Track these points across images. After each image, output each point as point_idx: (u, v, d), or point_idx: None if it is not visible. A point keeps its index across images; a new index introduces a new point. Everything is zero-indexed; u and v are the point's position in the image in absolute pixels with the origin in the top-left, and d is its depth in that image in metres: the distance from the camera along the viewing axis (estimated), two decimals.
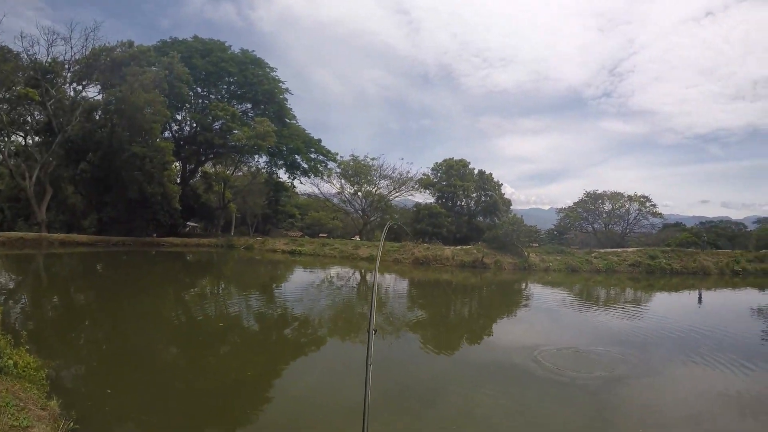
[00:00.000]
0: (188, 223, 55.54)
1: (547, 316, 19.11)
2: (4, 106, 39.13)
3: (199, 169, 58.37)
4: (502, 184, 56.65)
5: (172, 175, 46.33)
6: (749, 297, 29.34)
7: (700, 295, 28.07)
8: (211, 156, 56.41)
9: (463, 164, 54.47)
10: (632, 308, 22.36)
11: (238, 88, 55.13)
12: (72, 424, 5.94)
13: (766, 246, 48.32)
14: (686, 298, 28.12)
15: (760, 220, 66.11)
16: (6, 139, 41.79)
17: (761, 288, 32.57)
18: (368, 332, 3.37)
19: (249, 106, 57.02)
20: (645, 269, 39.66)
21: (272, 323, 15.29)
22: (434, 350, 12.76)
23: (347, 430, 6.91)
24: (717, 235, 61.13)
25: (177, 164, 52.74)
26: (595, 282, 33.08)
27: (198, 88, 53.63)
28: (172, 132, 53.20)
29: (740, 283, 34.97)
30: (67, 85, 42.00)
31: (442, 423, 7.59)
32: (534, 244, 45.23)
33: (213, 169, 60.79)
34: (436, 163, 55.98)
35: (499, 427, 7.67)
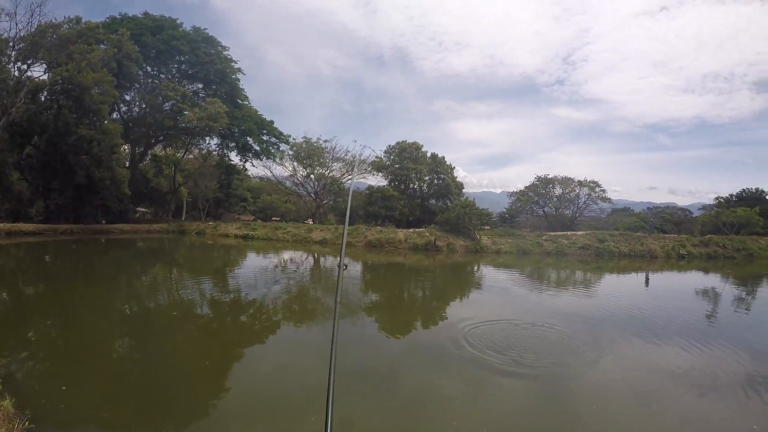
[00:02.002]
0: (138, 208, 55.30)
1: (499, 297, 20.10)
2: None
3: (149, 152, 57.73)
4: (454, 168, 58.18)
5: (121, 159, 45.95)
6: (694, 279, 31.11)
7: (647, 277, 29.89)
8: (161, 138, 56.10)
9: (416, 147, 55.76)
10: (582, 289, 23.71)
11: (189, 67, 54.64)
12: (27, 423, 5.97)
13: (710, 231, 51.36)
14: (634, 279, 29.57)
15: (704, 207, 70.24)
16: None
17: (705, 271, 34.60)
18: (334, 310, 3.37)
19: (200, 86, 56.59)
20: (594, 252, 41.70)
21: (227, 310, 15.51)
22: (390, 333, 13.25)
23: (309, 414, 7.22)
24: (664, 220, 64.94)
25: (126, 147, 52.08)
26: (545, 264, 34.69)
27: (148, 67, 52.93)
28: (120, 113, 52.43)
29: (686, 266, 37.11)
30: (12, 64, 40.79)
31: (399, 407, 7.93)
32: (486, 227, 46.91)
33: (163, 152, 59.99)
34: (389, 145, 57.15)
35: (457, 409, 7.88)
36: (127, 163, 50.18)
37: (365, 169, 58.05)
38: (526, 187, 62.32)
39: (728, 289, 26.12)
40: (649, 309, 17.32)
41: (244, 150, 58.66)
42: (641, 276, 30.29)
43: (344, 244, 3.35)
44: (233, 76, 56.40)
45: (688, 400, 8.74)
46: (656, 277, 30.24)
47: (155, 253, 34.20)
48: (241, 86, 57.75)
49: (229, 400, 7.95)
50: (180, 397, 8.05)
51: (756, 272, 36.13)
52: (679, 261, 40.53)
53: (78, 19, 44.11)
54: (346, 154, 59.04)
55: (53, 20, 41.32)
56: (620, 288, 25.50)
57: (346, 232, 3.42)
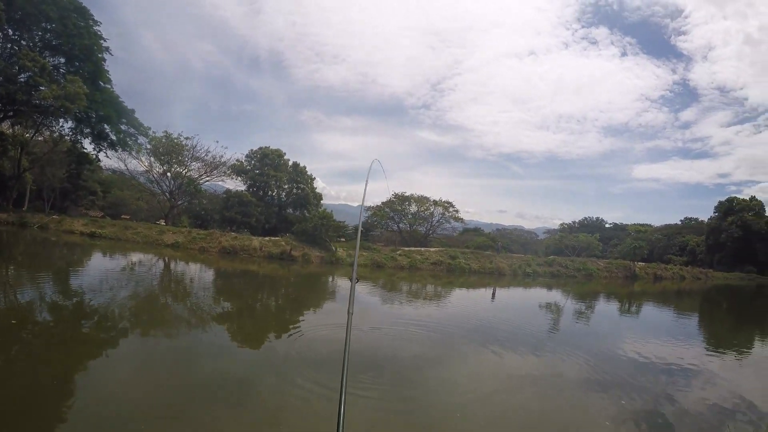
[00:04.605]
0: None
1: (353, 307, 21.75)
2: None
3: None
4: (315, 178, 61.81)
5: None
6: (538, 295, 34.51)
7: (494, 291, 33.15)
8: (11, 114, 51.97)
9: (279, 154, 58.01)
10: (433, 301, 25.93)
11: (54, 37, 51.09)
12: None
13: (554, 253, 59.32)
14: (483, 294, 32.12)
15: (549, 231, 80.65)
16: None
17: (549, 287, 38.86)
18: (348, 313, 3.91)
19: (62, 60, 53.12)
20: (446, 268, 45.22)
21: (70, 316, 14.40)
22: (242, 343, 13.19)
23: (167, 425, 7.29)
24: (511, 240, 72.85)
25: None
26: (399, 278, 36.70)
27: (9, 30, 49.06)
28: None
29: (531, 283, 41.42)
30: None
31: (253, 421, 7.76)
32: (342, 239, 49.73)
33: (10, 131, 55.42)
34: (252, 150, 58.99)
35: (312, 421, 7.98)
36: None
37: (224, 172, 58.74)
38: (383, 203, 66.69)
39: (569, 304, 29.62)
40: (497, 321, 19.15)
41: (99, 138, 55.30)
42: (489, 291, 33.25)
43: (357, 257, 3.67)
44: (99, 55, 53.54)
45: (528, 397, 9.70)
46: (504, 293, 33.56)
47: None
48: (106, 67, 54.76)
49: (76, 416, 7.47)
50: (19, 416, 7.40)
51: (594, 290, 40.80)
52: (525, 278, 44.88)
53: None
54: (206, 155, 58.76)
55: None
56: (470, 301, 27.84)
57: (358, 246, 3.68)
